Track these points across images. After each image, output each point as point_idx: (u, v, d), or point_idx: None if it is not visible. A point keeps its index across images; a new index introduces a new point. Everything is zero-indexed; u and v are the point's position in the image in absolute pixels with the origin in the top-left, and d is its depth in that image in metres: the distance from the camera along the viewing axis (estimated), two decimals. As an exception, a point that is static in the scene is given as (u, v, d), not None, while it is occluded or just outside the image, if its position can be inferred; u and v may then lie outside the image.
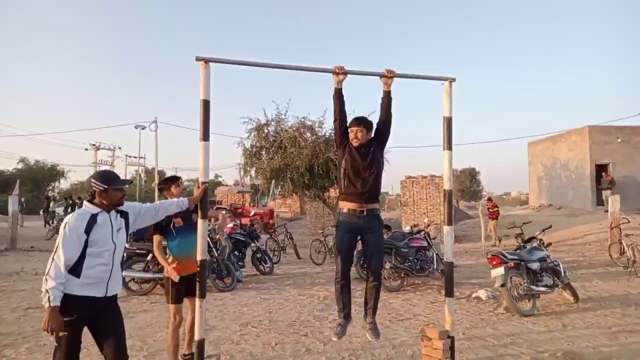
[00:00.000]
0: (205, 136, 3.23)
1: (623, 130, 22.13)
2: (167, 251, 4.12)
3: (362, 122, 3.81)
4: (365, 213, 3.73)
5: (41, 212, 23.81)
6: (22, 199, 22.08)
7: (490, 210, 17.09)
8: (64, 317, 2.53)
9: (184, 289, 3.96)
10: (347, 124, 3.84)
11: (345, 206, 3.79)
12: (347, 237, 3.79)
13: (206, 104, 3.23)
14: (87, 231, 2.64)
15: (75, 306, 2.59)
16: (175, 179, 4.27)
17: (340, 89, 3.71)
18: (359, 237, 3.84)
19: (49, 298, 2.49)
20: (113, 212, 2.82)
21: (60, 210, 21.95)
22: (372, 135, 3.86)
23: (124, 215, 2.89)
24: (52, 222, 21.98)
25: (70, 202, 21.35)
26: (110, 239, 2.76)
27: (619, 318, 5.87)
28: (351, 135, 3.79)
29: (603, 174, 20.57)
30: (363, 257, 3.88)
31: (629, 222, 11.32)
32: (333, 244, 12.10)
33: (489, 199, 18.76)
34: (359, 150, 3.76)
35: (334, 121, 3.86)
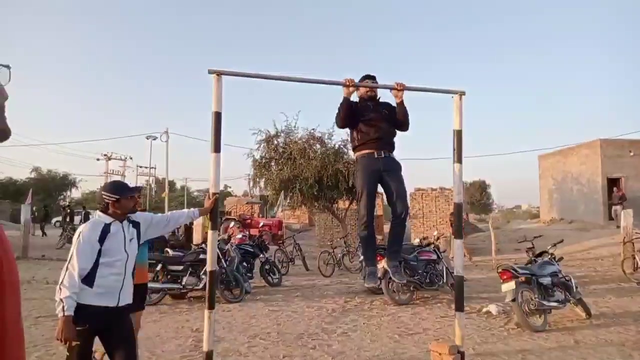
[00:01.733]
0: (217, 148, 3.27)
1: (635, 144, 21.90)
2: None
3: (374, 77, 3.96)
4: (383, 155, 3.78)
5: (54, 221, 23.99)
6: (34, 208, 22.24)
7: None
8: (76, 327, 2.55)
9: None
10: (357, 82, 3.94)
11: (362, 152, 3.82)
12: (369, 178, 3.78)
13: (218, 116, 3.27)
14: (101, 241, 2.68)
15: (88, 316, 2.61)
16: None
17: (349, 99, 3.77)
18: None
19: (63, 307, 2.51)
20: (125, 222, 2.86)
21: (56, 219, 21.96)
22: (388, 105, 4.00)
23: (136, 225, 2.93)
24: (44, 233, 21.97)
25: (69, 211, 21.38)
26: (123, 249, 2.78)
27: (633, 335, 5.75)
28: (362, 90, 3.94)
29: (614, 189, 20.29)
30: (387, 199, 3.97)
31: (642, 237, 11.16)
32: (342, 255, 12.15)
33: (452, 214, 18.31)
34: (370, 104, 3.88)
35: (339, 127, 4.00)
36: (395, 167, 3.89)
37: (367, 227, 3.83)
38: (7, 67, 1.48)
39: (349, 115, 3.81)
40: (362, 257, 9.69)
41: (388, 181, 3.80)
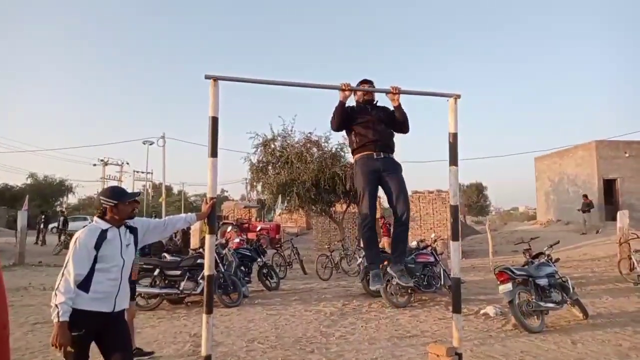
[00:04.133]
0: (214, 152, 3.28)
1: (631, 145, 22.01)
2: None
3: (371, 81, 3.94)
4: (382, 155, 3.76)
5: (51, 227, 23.60)
6: (43, 216, 21.86)
7: (384, 226, 16.85)
8: (72, 332, 2.54)
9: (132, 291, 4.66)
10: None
11: (360, 153, 3.80)
12: (369, 178, 3.73)
13: (215, 121, 3.28)
14: (97, 247, 2.68)
15: (84, 321, 2.61)
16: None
17: (345, 103, 3.79)
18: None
19: (58, 313, 2.51)
20: (122, 228, 2.86)
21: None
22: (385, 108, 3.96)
23: (134, 231, 2.93)
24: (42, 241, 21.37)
25: (44, 217, 21.24)
26: (119, 255, 2.79)
27: (630, 335, 5.78)
28: (359, 94, 3.92)
29: (583, 196, 20.46)
30: (388, 201, 3.90)
31: (638, 237, 11.20)
32: (340, 259, 12.15)
33: (382, 217, 18.24)
34: (367, 107, 3.87)
35: (333, 129, 3.93)
36: (395, 167, 3.86)
37: (370, 228, 3.78)
38: None
39: (343, 118, 3.82)
40: (360, 260, 9.68)
41: (388, 181, 3.76)
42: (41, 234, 21.08)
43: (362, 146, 3.79)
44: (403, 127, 3.91)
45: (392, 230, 4.06)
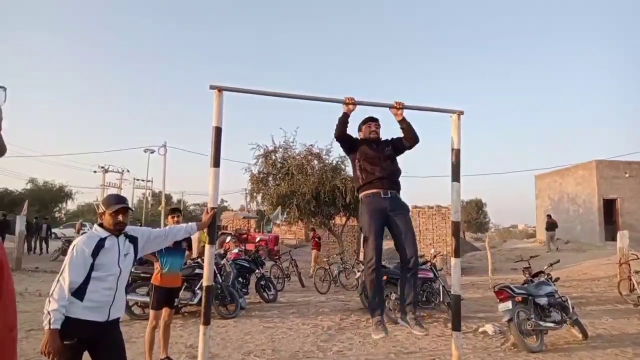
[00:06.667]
0: (216, 162, 3.28)
1: (631, 165, 22.05)
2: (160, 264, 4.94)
3: (377, 120, 3.94)
4: (390, 195, 3.64)
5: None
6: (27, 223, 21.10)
7: (313, 240, 16.81)
8: (64, 341, 2.51)
9: (165, 299, 4.89)
10: (360, 124, 3.96)
11: (368, 191, 3.68)
12: (376, 218, 3.58)
13: (218, 131, 3.28)
14: (94, 255, 2.65)
15: (76, 330, 2.57)
16: (175, 211, 5.40)
17: (348, 115, 3.76)
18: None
19: (49, 320, 2.48)
20: (122, 237, 2.84)
21: None
22: (389, 141, 3.94)
23: (133, 240, 2.90)
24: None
25: (27, 225, 20.28)
26: (116, 264, 2.76)
27: (630, 357, 5.71)
28: (367, 130, 3.90)
29: (547, 215, 21.78)
30: (395, 243, 3.67)
31: (638, 258, 11.14)
32: (339, 272, 12.08)
33: (313, 229, 18.12)
34: (373, 144, 3.81)
35: (337, 139, 3.88)
36: (403, 208, 3.74)
37: (376, 271, 3.51)
38: (3, 88, 1.50)
39: (345, 128, 3.77)
40: (358, 274, 9.57)
41: (395, 222, 3.59)
42: (26, 242, 20.12)
43: (369, 183, 3.68)
44: (412, 139, 3.81)
45: (401, 274, 3.79)
